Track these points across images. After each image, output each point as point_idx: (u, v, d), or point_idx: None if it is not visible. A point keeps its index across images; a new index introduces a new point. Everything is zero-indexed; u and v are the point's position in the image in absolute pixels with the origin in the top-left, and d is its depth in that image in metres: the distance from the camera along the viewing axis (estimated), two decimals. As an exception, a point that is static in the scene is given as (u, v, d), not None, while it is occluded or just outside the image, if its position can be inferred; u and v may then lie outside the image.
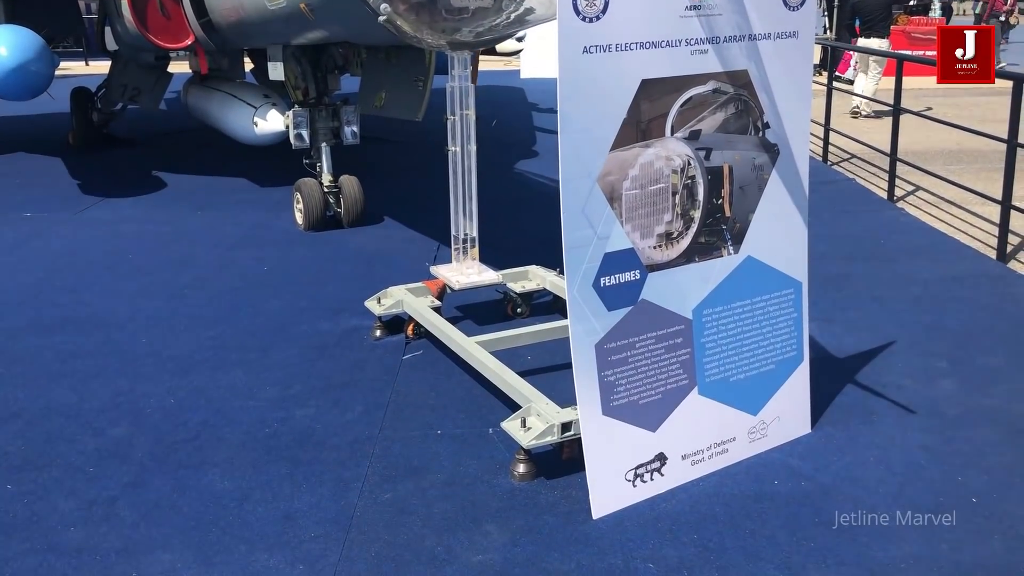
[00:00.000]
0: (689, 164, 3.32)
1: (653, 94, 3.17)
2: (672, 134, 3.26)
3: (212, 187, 8.55)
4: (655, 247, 3.30)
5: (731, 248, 3.48)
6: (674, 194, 3.30)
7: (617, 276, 3.22)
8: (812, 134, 10.18)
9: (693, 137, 3.31)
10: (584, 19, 2.96)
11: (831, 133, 9.74)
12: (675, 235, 3.34)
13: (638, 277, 3.27)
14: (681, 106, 3.25)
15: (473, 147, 4.73)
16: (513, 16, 4.69)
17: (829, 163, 9.57)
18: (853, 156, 9.70)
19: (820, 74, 13.99)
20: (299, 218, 7.06)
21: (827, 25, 18.43)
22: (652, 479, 3.37)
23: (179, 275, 5.95)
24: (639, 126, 3.16)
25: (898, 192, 8.06)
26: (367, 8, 4.53)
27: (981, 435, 3.78)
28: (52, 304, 5.44)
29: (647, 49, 3.11)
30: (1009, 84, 6.08)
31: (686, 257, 3.38)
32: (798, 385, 3.76)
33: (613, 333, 3.24)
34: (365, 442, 3.76)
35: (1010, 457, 3.61)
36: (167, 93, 10.38)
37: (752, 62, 3.35)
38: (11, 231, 7.10)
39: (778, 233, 3.59)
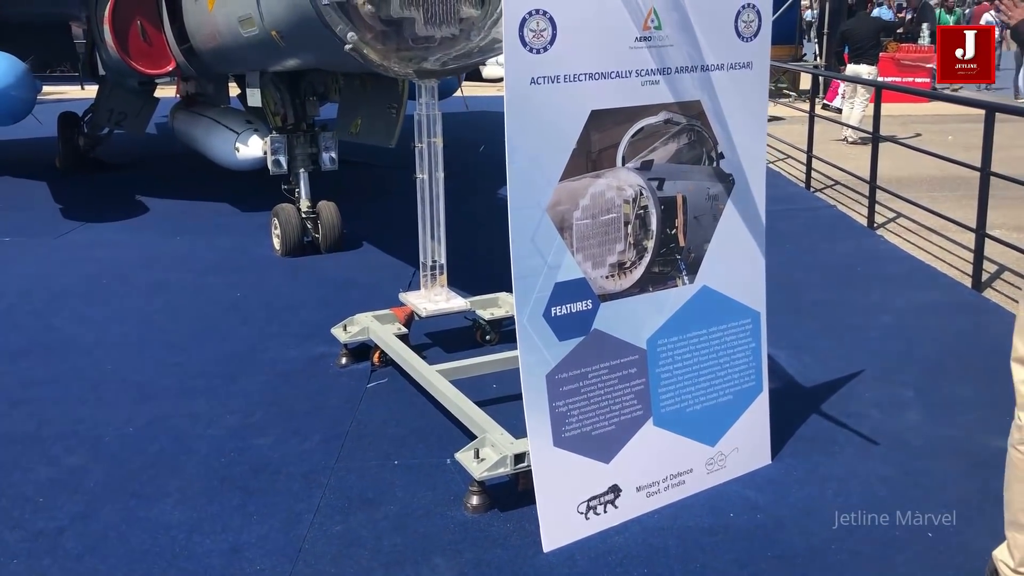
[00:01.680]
0: (641, 194, 3.31)
1: (603, 124, 3.16)
2: (623, 164, 3.25)
3: (193, 211, 8.55)
4: (607, 277, 3.28)
5: (686, 278, 3.47)
6: (626, 224, 3.29)
7: (568, 306, 3.21)
8: (795, 160, 10.29)
9: (645, 167, 3.30)
10: (531, 50, 2.96)
11: (814, 160, 9.76)
12: (628, 265, 3.32)
13: (590, 307, 3.25)
14: (632, 136, 3.24)
15: (441, 174, 4.73)
16: (480, 45, 4.72)
17: (812, 190, 9.58)
18: (836, 183, 9.71)
19: (805, 100, 14.04)
20: (277, 243, 7.06)
21: (817, 52, 18.54)
22: (605, 511, 3.33)
23: (151, 301, 5.93)
24: (589, 156, 3.16)
25: (879, 219, 8.05)
26: (334, 36, 4.55)
27: (943, 467, 3.75)
28: (18, 329, 5.42)
29: (596, 80, 3.11)
30: (998, 113, 6.08)
31: (639, 287, 3.36)
32: (757, 416, 3.72)
33: (564, 363, 3.21)
34: (320, 472, 3.72)
35: (970, 490, 3.56)
36: (157, 117, 10.41)
37: (705, 93, 3.35)
38: (-13, 255, 7.09)
39: (735, 263, 3.57)
